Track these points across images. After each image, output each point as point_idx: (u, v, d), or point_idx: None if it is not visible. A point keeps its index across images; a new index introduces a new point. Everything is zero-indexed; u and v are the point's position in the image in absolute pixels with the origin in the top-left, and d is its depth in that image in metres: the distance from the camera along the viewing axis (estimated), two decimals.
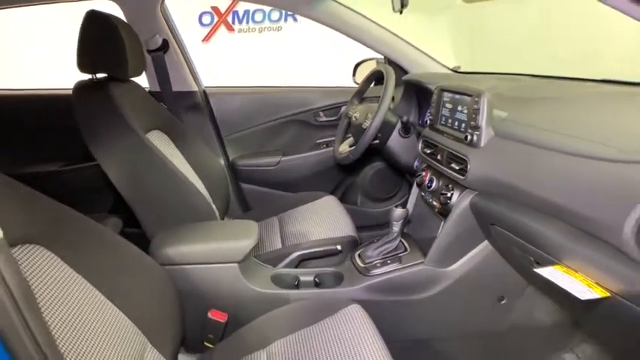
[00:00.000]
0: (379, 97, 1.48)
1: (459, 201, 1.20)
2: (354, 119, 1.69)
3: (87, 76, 1.39)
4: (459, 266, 1.25)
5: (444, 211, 1.28)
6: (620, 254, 0.73)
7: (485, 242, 1.22)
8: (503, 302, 1.29)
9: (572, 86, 1.28)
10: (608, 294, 0.76)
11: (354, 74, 2.08)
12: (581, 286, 0.79)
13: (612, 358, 1.30)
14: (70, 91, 1.34)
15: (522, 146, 1.00)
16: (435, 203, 1.34)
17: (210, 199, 1.57)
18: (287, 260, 1.44)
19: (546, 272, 0.86)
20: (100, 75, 1.40)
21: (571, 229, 0.85)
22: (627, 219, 0.70)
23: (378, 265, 1.31)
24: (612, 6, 0.57)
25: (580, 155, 0.84)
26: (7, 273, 0.45)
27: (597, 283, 0.78)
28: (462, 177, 1.17)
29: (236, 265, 1.25)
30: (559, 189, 0.86)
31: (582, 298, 0.76)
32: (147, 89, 1.85)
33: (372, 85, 1.79)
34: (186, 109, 1.95)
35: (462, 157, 1.17)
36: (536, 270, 0.89)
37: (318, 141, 2.12)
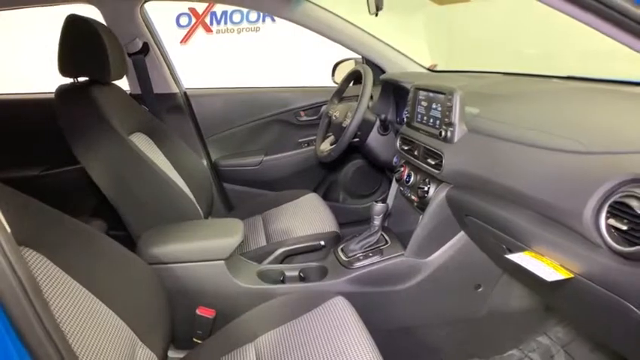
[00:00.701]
0: (358, 96, 1.53)
1: (436, 194, 1.26)
2: (334, 118, 1.74)
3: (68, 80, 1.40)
4: (437, 257, 1.31)
5: (422, 205, 1.33)
6: (582, 238, 0.79)
7: (462, 233, 1.28)
8: (480, 290, 1.35)
9: (538, 82, 1.36)
10: (572, 275, 0.82)
11: (333, 74, 2.13)
12: (548, 269, 0.85)
13: (583, 340, 1.37)
14: (49, 95, 1.35)
15: (493, 140, 1.06)
16: (413, 197, 1.39)
17: (194, 200, 1.60)
18: (272, 257, 1.47)
19: (516, 258, 0.92)
20: (81, 79, 1.41)
21: (538, 216, 0.91)
22: (586, 206, 0.76)
23: (361, 258, 1.36)
24: (547, 4, 0.62)
25: (545, 148, 0.91)
26: (18, 268, 0.47)
27: (562, 266, 0.84)
28: (437, 171, 1.22)
29: (222, 262, 1.28)
30: (527, 180, 0.93)
31: (548, 280, 0.82)
32: (128, 92, 1.86)
33: (351, 84, 1.83)
34: (167, 111, 1.97)
35: (438, 152, 1.22)
36: (507, 256, 0.95)
37: (299, 140, 2.16)
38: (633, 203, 0.68)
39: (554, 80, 1.31)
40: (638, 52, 0.63)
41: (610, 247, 0.73)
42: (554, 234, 0.86)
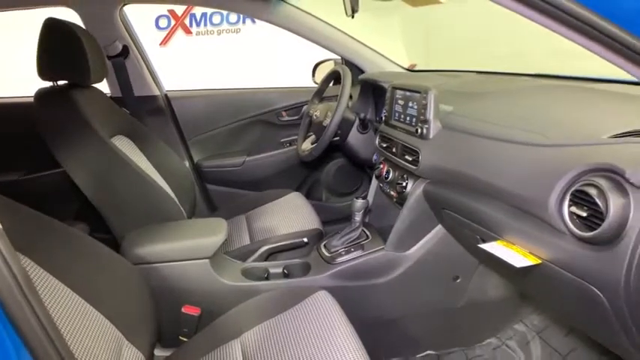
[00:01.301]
0: (338, 96, 1.57)
1: (413, 189, 1.30)
2: (314, 118, 1.77)
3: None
4: (416, 250, 1.35)
5: (401, 200, 1.38)
6: (548, 226, 0.84)
7: (439, 226, 1.33)
8: (458, 281, 1.40)
9: (509, 80, 1.41)
10: (540, 261, 0.87)
11: (313, 75, 2.16)
12: (518, 257, 0.89)
13: (557, 325, 1.43)
14: (27, 99, 1.35)
15: (466, 136, 1.11)
16: (392, 193, 1.44)
17: (177, 201, 1.61)
18: (256, 255, 1.50)
19: (489, 247, 0.96)
20: (61, 82, 1.41)
21: (509, 208, 0.96)
22: (551, 195, 0.81)
23: (343, 253, 1.39)
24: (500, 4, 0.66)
25: (514, 142, 0.96)
26: (14, 266, 0.48)
27: (531, 253, 0.89)
28: (414, 167, 1.27)
29: (207, 260, 1.30)
30: (497, 173, 0.98)
31: (518, 266, 0.87)
32: (108, 95, 1.86)
33: (331, 84, 1.87)
34: (148, 113, 1.97)
35: (414, 148, 1.27)
36: (480, 246, 0.99)
37: (281, 140, 2.19)
38: (592, 191, 0.73)
39: (524, 78, 1.37)
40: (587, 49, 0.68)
41: (573, 233, 0.78)
42: (523, 223, 0.91)
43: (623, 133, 0.79)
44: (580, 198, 0.76)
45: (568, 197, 0.78)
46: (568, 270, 0.82)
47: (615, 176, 0.72)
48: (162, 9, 4.34)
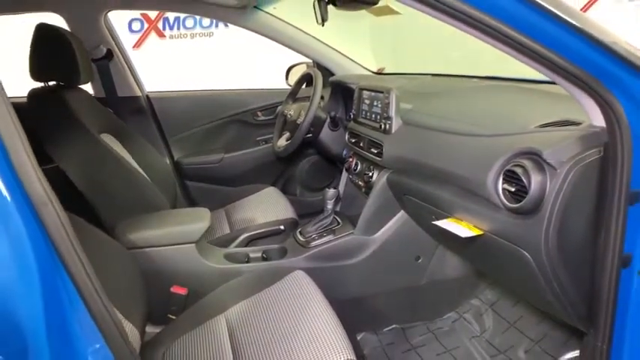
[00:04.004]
0: (310, 96, 1.71)
1: (378, 178, 1.47)
2: (289, 116, 1.91)
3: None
4: (382, 233, 1.51)
5: (368, 189, 1.54)
6: (488, 202, 1.01)
7: (402, 212, 1.49)
8: (419, 261, 1.57)
9: (461, 82, 1.60)
10: (482, 232, 1.04)
11: (286, 77, 2.30)
12: (464, 229, 1.06)
13: (506, 298, 1.62)
14: (15, 100, 1.43)
15: (423, 130, 1.28)
16: (360, 183, 1.60)
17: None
18: (237, 242, 1.63)
19: (441, 223, 1.13)
20: (51, 83, 1.50)
21: (458, 189, 1.12)
22: (488, 175, 0.98)
23: (316, 238, 1.54)
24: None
25: (461, 134, 1.13)
26: (62, 217, 0.59)
27: (475, 226, 1.06)
28: (379, 159, 1.43)
29: (193, 245, 1.42)
30: (448, 160, 1.15)
31: (464, 236, 1.04)
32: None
33: (304, 86, 2.01)
34: (131, 113, 2.06)
35: (379, 142, 1.43)
36: (434, 222, 1.16)
37: (257, 139, 2.31)
38: (518, 170, 0.90)
39: (473, 80, 1.56)
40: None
41: (505, 207, 0.95)
42: (468, 201, 1.08)
43: (546, 124, 0.97)
44: (510, 176, 0.93)
45: (501, 176, 0.96)
46: (504, 237, 0.99)
47: (536, 157, 0.89)
48: (136, 12, 4.37)
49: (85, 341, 0.60)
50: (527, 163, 0.90)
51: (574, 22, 0.73)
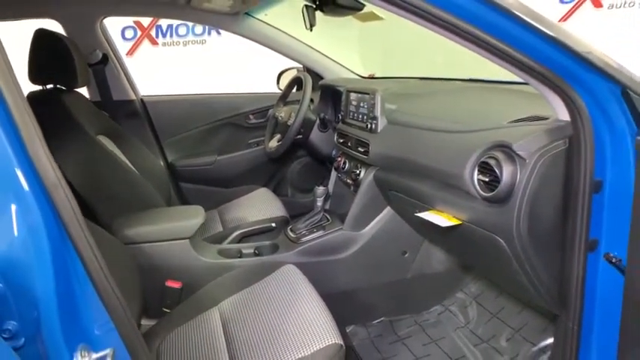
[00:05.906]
0: (300, 99, 1.78)
1: (366, 176, 1.54)
2: (280, 119, 1.98)
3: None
4: (369, 229, 1.58)
5: (356, 186, 1.60)
6: (465, 194, 1.08)
7: (388, 208, 1.56)
8: (406, 255, 1.63)
9: (444, 84, 1.68)
10: (460, 222, 1.11)
11: (277, 81, 2.37)
12: (444, 220, 1.13)
13: (489, 291, 1.68)
14: None
15: (406, 129, 1.36)
16: (348, 181, 1.66)
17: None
18: (230, 238, 1.68)
19: (423, 215, 1.19)
20: (49, 86, 1.56)
21: (439, 183, 1.19)
22: (465, 168, 1.05)
23: (306, 234, 1.60)
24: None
25: (441, 131, 1.20)
26: (71, 199, 0.65)
27: (454, 216, 1.13)
28: (366, 157, 1.50)
29: (187, 240, 1.47)
30: (430, 156, 1.22)
31: (444, 225, 1.10)
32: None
33: (294, 90, 2.08)
34: (126, 116, 2.12)
35: (365, 141, 1.50)
36: (416, 214, 1.22)
37: (249, 141, 2.37)
38: (492, 162, 0.98)
39: (455, 82, 1.64)
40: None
41: (481, 196, 1.02)
42: (448, 194, 1.15)
43: (517, 119, 1.05)
44: (484, 168, 1.00)
45: (477, 168, 1.03)
46: (480, 226, 1.06)
47: (507, 149, 0.97)
48: (129, 20, 4.42)
49: (91, 314, 0.66)
50: (499, 154, 0.97)
51: (536, 25, 0.81)
